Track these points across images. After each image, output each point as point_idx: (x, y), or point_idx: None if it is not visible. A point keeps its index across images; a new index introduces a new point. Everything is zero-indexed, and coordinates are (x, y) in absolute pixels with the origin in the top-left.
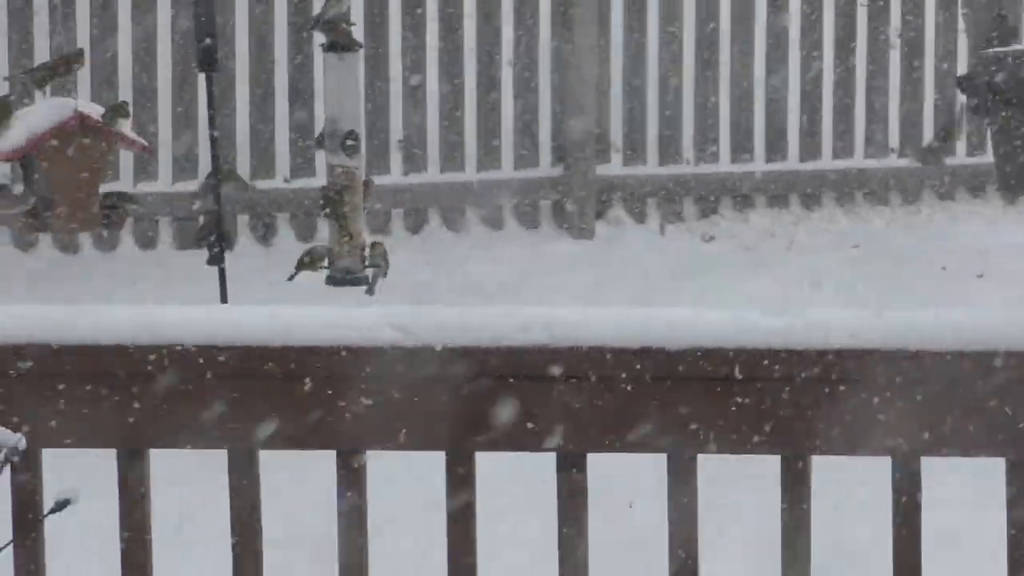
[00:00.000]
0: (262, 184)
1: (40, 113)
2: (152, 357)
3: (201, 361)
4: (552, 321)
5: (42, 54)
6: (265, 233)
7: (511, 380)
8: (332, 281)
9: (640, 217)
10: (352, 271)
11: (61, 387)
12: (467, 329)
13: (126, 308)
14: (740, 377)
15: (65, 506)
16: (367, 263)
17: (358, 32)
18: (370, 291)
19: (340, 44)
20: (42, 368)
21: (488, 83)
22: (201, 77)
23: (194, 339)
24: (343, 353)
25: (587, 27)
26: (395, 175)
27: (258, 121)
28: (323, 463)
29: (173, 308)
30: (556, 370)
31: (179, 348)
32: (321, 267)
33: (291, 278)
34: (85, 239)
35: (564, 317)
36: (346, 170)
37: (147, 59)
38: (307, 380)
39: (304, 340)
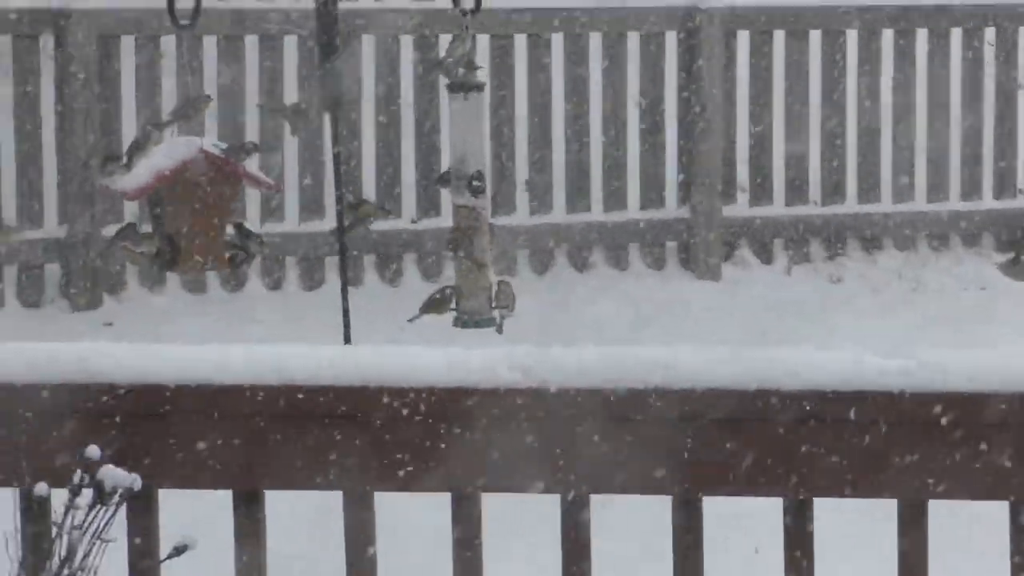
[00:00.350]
0: (389, 224)
1: (166, 152)
2: (270, 398)
3: (321, 400)
4: (672, 362)
5: (169, 95)
6: (392, 273)
7: (627, 421)
8: (460, 323)
9: (767, 258)
10: (479, 312)
11: (179, 427)
12: (587, 371)
13: (245, 348)
14: (855, 419)
15: (183, 552)
16: (494, 304)
17: (484, 73)
18: (499, 330)
19: (465, 84)
20: (161, 407)
21: (614, 124)
22: (327, 117)
23: (312, 380)
24: (464, 394)
25: (713, 66)
26: (521, 216)
27: (384, 162)
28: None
29: (292, 348)
30: (672, 411)
31: (298, 388)
32: (448, 309)
33: (413, 319)
34: (212, 279)
35: (684, 359)
36: (472, 210)
37: (272, 99)
38: (426, 420)
39: (426, 381)
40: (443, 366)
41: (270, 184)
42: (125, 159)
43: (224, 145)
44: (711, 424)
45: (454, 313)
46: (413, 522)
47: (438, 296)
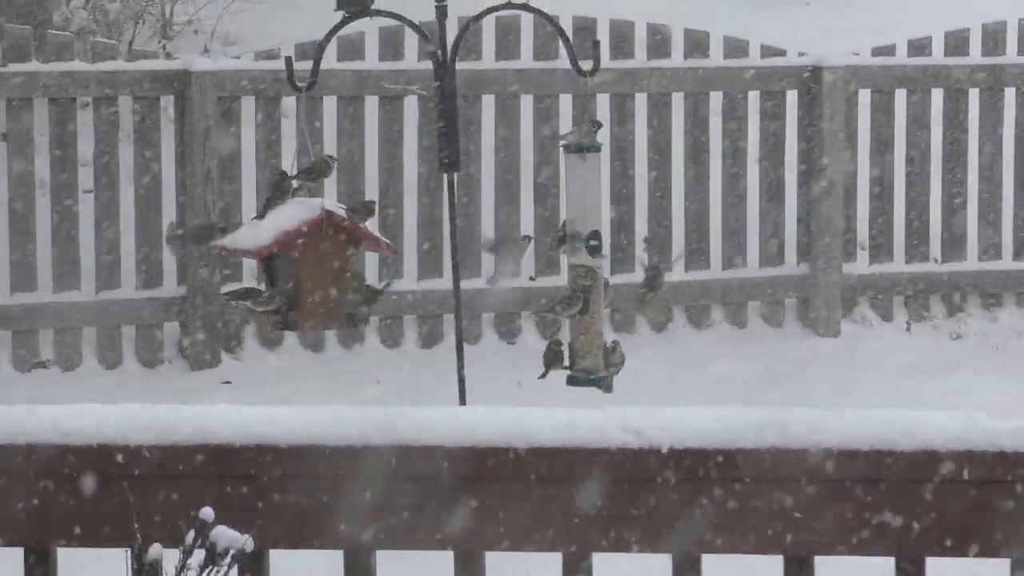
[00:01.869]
0: (505, 282)
1: (288, 212)
2: (380, 458)
3: (445, 464)
4: (787, 422)
5: (287, 155)
6: (509, 329)
7: (735, 484)
8: (574, 381)
9: (886, 315)
10: (593, 371)
11: (286, 487)
12: (700, 432)
13: (357, 409)
14: (968, 479)
15: None
16: (607, 363)
17: (603, 132)
18: (608, 389)
19: (582, 146)
20: (270, 469)
21: (734, 182)
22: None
23: (429, 441)
24: (574, 453)
25: (834, 124)
26: (640, 274)
27: (503, 220)
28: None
29: (406, 410)
30: (785, 472)
31: (415, 448)
32: (561, 366)
33: (543, 375)
34: (330, 338)
35: (799, 419)
36: (589, 270)
37: (392, 161)
38: (541, 480)
39: (538, 441)
40: (556, 426)
41: (389, 246)
42: (258, 213)
43: (344, 207)
44: (825, 484)
45: (567, 372)
46: None
47: (551, 350)
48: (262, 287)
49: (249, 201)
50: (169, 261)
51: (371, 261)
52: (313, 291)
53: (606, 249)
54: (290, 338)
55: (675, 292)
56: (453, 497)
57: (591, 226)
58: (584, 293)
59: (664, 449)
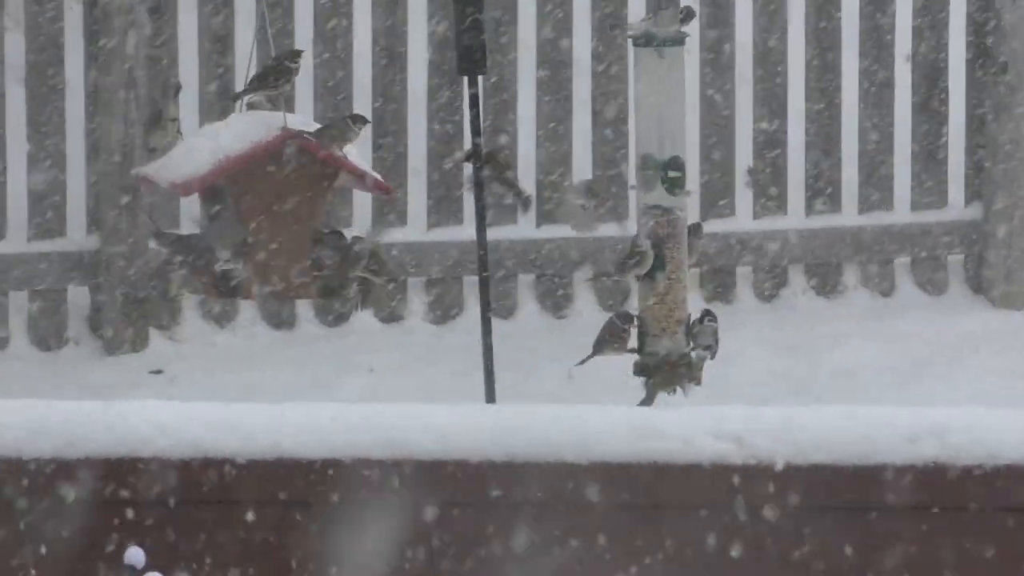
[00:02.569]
0: (554, 231)
1: (234, 131)
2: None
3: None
4: (947, 428)
5: (242, 56)
6: (558, 298)
7: (874, 512)
8: (643, 370)
9: None
10: (671, 355)
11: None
12: (823, 442)
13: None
14: None
15: None
16: (692, 344)
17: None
18: (696, 381)
19: (658, 36)
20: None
21: (875, 86)
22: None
23: (429, 453)
24: (650, 471)
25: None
26: (742, 219)
27: (548, 146)
28: None
29: (412, 409)
30: (944, 497)
31: (417, 463)
32: (627, 350)
33: (584, 361)
34: (303, 308)
35: (963, 423)
36: (667, 212)
37: (390, 60)
38: (603, 508)
39: (599, 454)
40: (625, 432)
41: (379, 182)
42: (174, 131)
43: (317, 125)
44: (1005, 512)
45: (636, 356)
46: None
47: (613, 329)
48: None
49: (189, 117)
50: (76, 200)
51: (363, 203)
52: (267, 245)
53: (693, 182)
54: (247, 309)
55: (789, 245)
56: (478, 531)
57: (670, 150)
58: (658, 244)
59: (778, 465)
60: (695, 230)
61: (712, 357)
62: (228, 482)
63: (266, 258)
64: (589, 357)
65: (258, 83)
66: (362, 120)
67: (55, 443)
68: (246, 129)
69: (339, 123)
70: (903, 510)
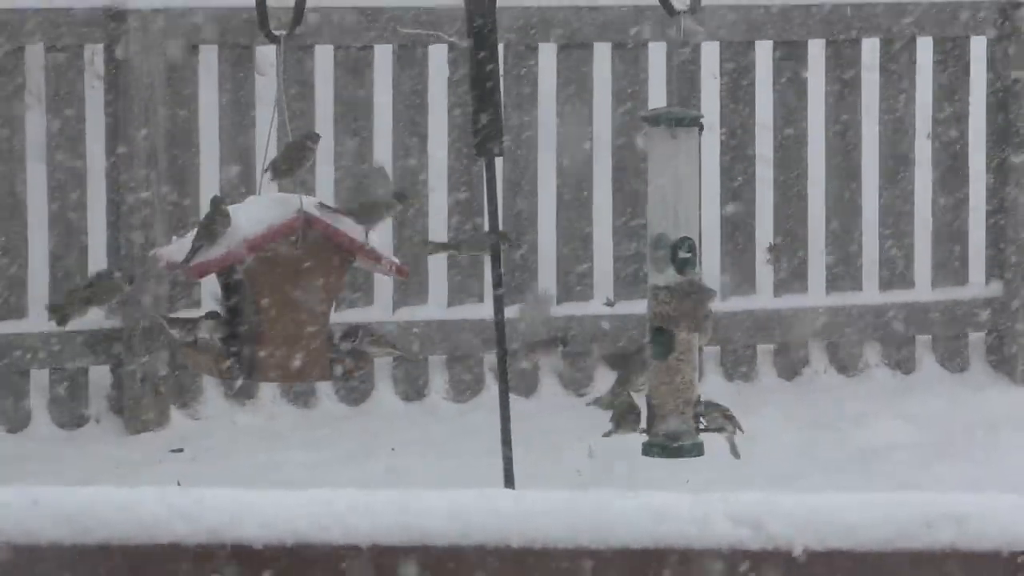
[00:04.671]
0: (574, 308)
1: (250, 212)
2: (390, 562)
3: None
4: (967, 514)
5: (263, 128)
6: (575, 374)
7: None
8: (652, 450)
9: None
10: (679, 436)
11: None
12: (848, 527)
13: (354, 494)
14: None
15: None
16: (700, 426)
17: (709, 103)
18: (734, 453)
19: (673, 116)
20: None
21: (894, 162)
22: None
23: (446, 538)
24: (663, 556)
25: None
26: (762, 297)
27: (567, 224)
28: None
29: (425, 494)
30: None
31: (428, 551)
32: (635, 428)
33: (608, 434)
34: (324, 386)
35: (985, 508)
36: (675, 292)
37: (410, 138)
38: None
39: (615, 538)
40: (637, 517)
41: (398, 266)
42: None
43: (333, 206)
44: None
45: (644, 434)
46: None
47: (619, 403)
48: (215, 318)
49: (209, 191)
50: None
51: (382, 278)
52: (281, 327)
53: (714, 259)
54: (268, 388)
55: (811, 323)
56: None
57: (683, 231)
58: (671, 325)
59: (796, 550)
60: (708, 312)
61: (736, 433)
62: (245, 569)
63: (280, 340)
64: (610, 432)
65: (281, 165)
66: (316, 137)
67: (73, 529)
68: (262, 210)
69: (296, 147)
70: None
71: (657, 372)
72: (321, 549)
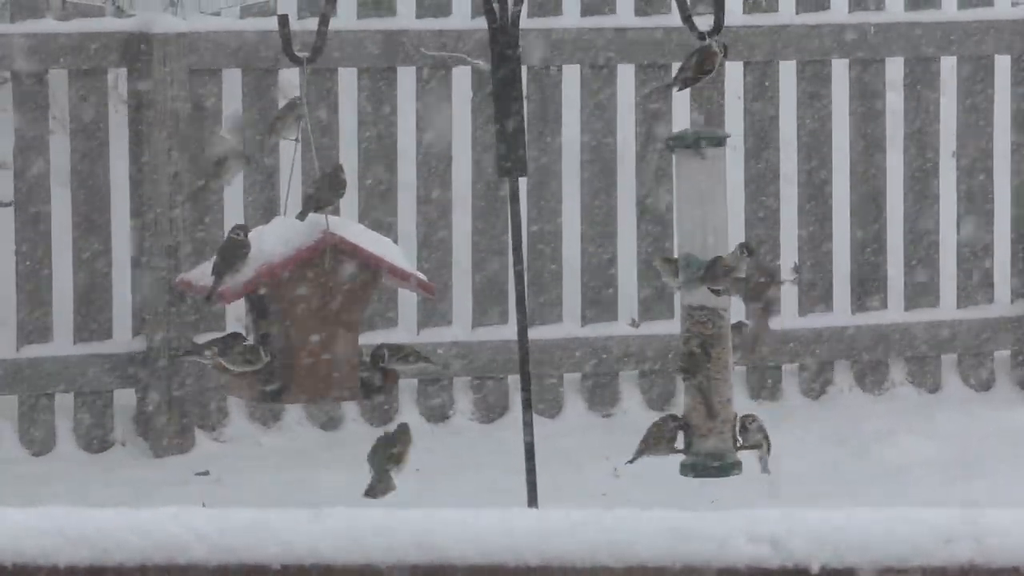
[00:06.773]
0: (599, 329)
1: (276, 234)
2: None
3: None
4: (986, 530)
5: (286, 151)
6: (604, 397)
7: None
8: (690, 470)
9: None
10: (718, 455)
11: None
12: (866, 544)
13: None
14: None
15: None
16: (739, 443)
17: (733, 120)
18: (765, 469)
19: (700, 136)
20: None
21: (920, 181)
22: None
23: (477, 558)
24: (689, 573)
25: None
26: (788, 317)
27: (591, 244)
28: None
29: (438, 513)
30: None
31: (459, 569)
32: (673, 450)
33: (633, 460)
34: (349, 409)
35: (1002, 525)
36: (711, 313)
37: (435, 161)
38: None
39: (633, 555)
40: (657, 535)
41: (425, 283)
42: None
43: (360, 227)
44: None
45: (682, 456)
46: None
47: (659, 430)
48: (243, 340)
49: (234, 216)
50: (122, 304)
51: (406, 301)
52: (308, 348)
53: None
54: (293, 409)
55: (836, 342)
56: None
57: (713, 251)
58: (704, 346)
59: (814, 568)
60: (738, 329)
61: (768, 451)
62: None
63: (310, 361)
64: (637, 456)
65: (321, 198)
66: (341, 168)
67: (93, 551)
68: (288, 232)
69: (336, 178)
70: None
71: (692, 391)
72: (341, 571)
